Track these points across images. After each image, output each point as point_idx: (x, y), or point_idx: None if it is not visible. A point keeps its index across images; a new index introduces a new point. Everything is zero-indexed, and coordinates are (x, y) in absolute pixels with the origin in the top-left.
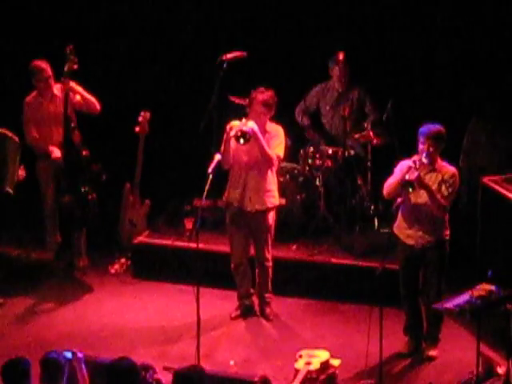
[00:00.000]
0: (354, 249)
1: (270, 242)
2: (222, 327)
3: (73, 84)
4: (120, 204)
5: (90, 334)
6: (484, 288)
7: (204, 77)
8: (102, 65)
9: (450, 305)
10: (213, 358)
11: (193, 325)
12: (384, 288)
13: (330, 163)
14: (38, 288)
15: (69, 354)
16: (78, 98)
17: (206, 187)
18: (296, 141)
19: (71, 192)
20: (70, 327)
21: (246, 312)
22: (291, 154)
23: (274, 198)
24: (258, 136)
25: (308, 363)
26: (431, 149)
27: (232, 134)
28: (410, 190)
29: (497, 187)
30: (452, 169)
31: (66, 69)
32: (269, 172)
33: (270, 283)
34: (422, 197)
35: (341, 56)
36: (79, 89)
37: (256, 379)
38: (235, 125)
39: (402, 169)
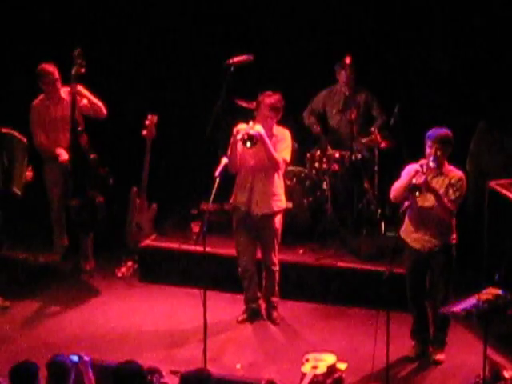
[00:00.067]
0: (361, 253)
1: (276, 246)
2: (229, 331)
3: (80, 88)
4: (127, 208)
5: (97, 337)
6: (491, 292)
7: (211, 80)
8: (110, 69)
9: (456, 309)
10: (219, 362)
11: (199, 328)
12: (391, 292)
13: (336, 167)
14: (45, 291)
15: (75, 358)
16: (85, 101)
17: (213, 191)
18: (303, 144)
19: (78, 195)
20: (77, 330)
21: (252, 316)
22: (298, 157)
23: (280, 202)
24: (264, 139)
25: (314, 367)
26: (438, 153)
27: (239, 137)
28: (417, 194)
29: (504, 191)
30: (459, 173)
31: (73, 72)
32: (275, 176)
33: (276, 287)
34: (429, 201)
35: (348, 60)
36: (86, 93)
37: (262, 383)
38: (242, 128)
39: (409, 173)
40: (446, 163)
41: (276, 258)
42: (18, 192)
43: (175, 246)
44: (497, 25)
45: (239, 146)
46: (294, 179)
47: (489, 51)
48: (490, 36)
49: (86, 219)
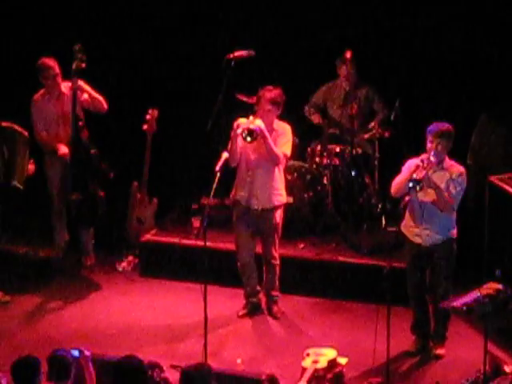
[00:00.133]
0: (362, 247)
1: (277, 241)
2: (229, 325)
3: (81, 82)
4: (128, 202)
5: (98, 331)
6: (492, 287)
7: (212, 75)
8: (110, 63)
9: (457, 303)
10: (220, 356)
11: (200, 323)
12: (391, 286)
13: (337, 161)
14: (46, 286)
15: (76, 352)
16: (85, 96)
17: (214, 185)
18: (304, 139)
19: (79, 190)
20: (78, 325)
21: (253, 310)
22: (299, 152)
23: (281, 197)
24: (265, 134)
25: (315, 361)
26: (439, 147)
27: (239, 131)
28: (418, 188)
29: (504, 185)
30: (460, 167)
31: (74, 67)
32: (276, 170)
33: (277, 281)
34: (429, 195)
35: (348, 54)
36: (87, 87)
37: (263, 377)
38: (242, 123)
39: (410, 167)
40: (447, 158)
41: (276, 252)
42: (19, 186)
43: (176, 240)
44: (499, 17)
45: (239, 140)
46: (295, 174)
47: (490, 44)
48: (491, 29)
49: (86, 214)
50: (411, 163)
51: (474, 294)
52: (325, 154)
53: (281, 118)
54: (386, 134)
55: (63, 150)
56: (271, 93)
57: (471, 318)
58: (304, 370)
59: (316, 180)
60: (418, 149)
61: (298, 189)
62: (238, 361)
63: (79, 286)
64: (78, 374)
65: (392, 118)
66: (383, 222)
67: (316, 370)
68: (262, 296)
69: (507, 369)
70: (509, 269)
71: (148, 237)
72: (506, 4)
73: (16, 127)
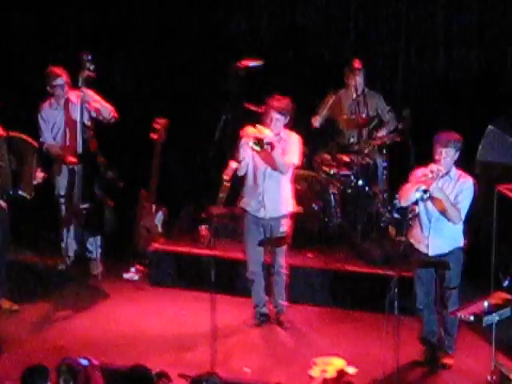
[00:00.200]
0: (370, 257)
1: (285, 250)
2: (238, 334)
3: (89, 91)
4: (136, 211)
5: (106, 340)
6: (500, 296)
7: (220, 84)
8: (119, 72)
9: (465, 313)
10: (228, 366)
11: (208, 332)
12: (400, 296)
13: (346, 170)
14: (54, 295)
15: (84, 361)
16: (94, 105)
17: (222, 194)
18: (312, 148)
19: (87, 199)
20: (86, 334)
21: (261, 319)
22: (307, 161)
23: (289, 206)
24: (273, 143)
25: (323, 371)
26: (447, 157)
27: (247, 140)
28: (425, 198)
29: None
30: (468, 177)
31: (82, 76)
32: (284, 179)
33: (285, 291)
34: (437, 205)
35: (357, 64)
36: (96, 96)
37: None
38: (250, 132)
39: (418, 177)
40: (455, 167)
41: (285, 261)
42: (27, 195)
43: (184, 249)
44: (507, 26)
45: (248, 149)
46: (304, 183)
47: (499, 54)
48: (500, 39)
49: (94, 222)
50: (419, 172)
51: (482, 304)
52: (333, 163)
53: (289, 127)
54: (398, 139)
55: (71, 158)
56: (279, 102)
57: (479, 327)
58: (312, 379)
59: (324, 189)
60: (426, 158)
61: (307, 198)
62: (246, 370)
63: (87, 295)
64: (85, 383)
65: (400, 127)
66: (391, 231)
67: (324, 380)
68: (270, 305)
69: None
70: None
71: (156, 245)
72: None
73: (24, 137)
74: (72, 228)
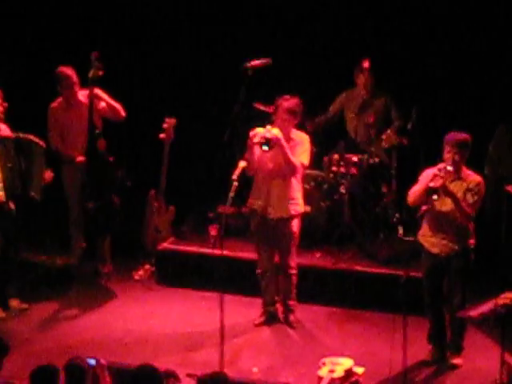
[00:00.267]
0: (378, 256)
1: (294, 250)
2: (246, 334)
3: (98, 90)
4: (145, 210)
5: (114, 340)
6: (508, 296)
7: (229, 84)
8: (127, 71)
9: (474, 313)
10: (236, 365)
11: (216, 331)
12: (408, 296)
13: (354, 171)
14: (63, 294)
15: (92, 361)
16: (103, 104)
17: (231, 194)
18: (321, 148)
19: (96, 198)
20: (94, 333)
21: (269, 319)
22: (316, 161)
23: (298, 206)
24: (282, 143)
25: (331, 371)
26: (457, 157)
27: (256, 140)
28: (435, 197)
29: None
30: (477, 177)
31: (91, 75)
32: (293, 179)
33: (294, 290)
34: (447, 204)
35: (366, 63)
36: (104, 95)
37: None
38: (259, 131)
39: (427, 176)
40: (464, 167)
41: (293, 261)
42: (37, 197)
43: (193, 249)
44: None
45: (257, 149)
46: (312, 183)
47: (509, 55)
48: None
49: (103, 222)
50: (429, 172)
51: (491, 304)
52: (342, 163)
53: (299, 127)
54: (404, 141)
55: (80, 157)
56: (288, 102)
57: (488, 327)
58: (320, 379)
59: (333, 189)
60: (435, 158)
61: (315, 198)
62: (255, 370)
63: (96, 294)
64: (94, 382)
65: (409, 127)
66: (400, 231)
67: (332, 380)
68: (278, 305)
69: None
70: None
71: (165, 245)
72: None
73: (32, 138)
74: (81, 227)
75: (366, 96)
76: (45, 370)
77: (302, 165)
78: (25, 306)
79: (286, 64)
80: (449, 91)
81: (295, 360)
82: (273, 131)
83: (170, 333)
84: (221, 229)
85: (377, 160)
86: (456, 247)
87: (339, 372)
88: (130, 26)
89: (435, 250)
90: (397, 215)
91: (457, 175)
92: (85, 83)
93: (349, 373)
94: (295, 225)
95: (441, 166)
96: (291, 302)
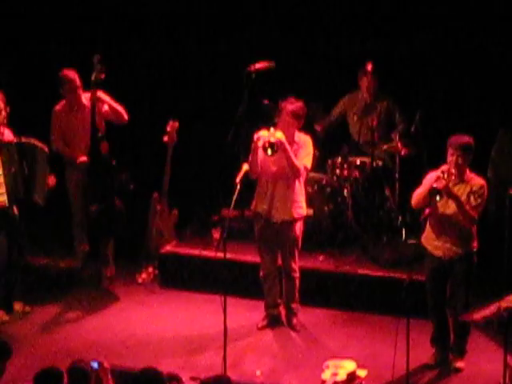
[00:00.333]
0: (381, 260)
1: (297, 253)
2: (249, 337)
3: (100, 93)
4: (148, 213)
5: (117, 343)
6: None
7: (232, 87)
8: (130, 74)
9: (477, 316)
10: (239, 368)
11: (219, 334)
12: (411, 299)
13: (357, 174)
14: (66, 297)
15: (95, 364)
16: (105, 107)
17: (234, 197)
18: (324, 151)
19: (99, 201)
20: (97, 336)
21: (272, 322)
22: (319, 164)
23: (301, 209)
24: (285, 147)
25: (334, 374)
26: (460, 160)
27: (259, 144)
28: (438, 198)
29: None
30: (480, 180)
31: (93, 78)
32: (296, 183)
33: (296, 294)
34: (450, 207)
35: (369, 67)
36: (107, 98)
37: None
38: (263, 135)
39: (431, 179)
40: (468, 171)
41: (296, 264)
42: (40, 201)
43: (196, 252)
44: None
45: (260, 152)
46: (315, 186)
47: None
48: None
49: (106, 225)
50: (432, 175)
51: (494, 307)
52: (345, 166)
53: (302, 130)
54: (403, 152)
55: (82, 157)
56: (293, 105)
57: (491, 331)
58: (323, 382)
59: (336, 192)
60: (438, 161)
61: (318, 201)
62: (258, 373)
63: (99, 297)
64: None
65: (412, 130)
66: (403, 234)
67: (335, 383)
68: (281, 308)
69: None
70: None
71: (168, 248)
72: None
73: (35, 142)
74: (84, 230)
75: (369, 99)
76: (49, 373)
77: (305, 168)
78: (28, 309)
79: (289, 67)
80: (452, 95)
81: (298, 363)
82: (276, 135)
83: (173, 336)
84: (224, 232)
85: (380, 163)
86: (459, 250)
87: (342, 375)
88: (133, 28)
89: (438, 253)
90: (400, 218)
91: (460, 178)
92: (87, 86)
93: (352, 376)
94: (298, 228)
95: (444, 167)
96: (294, 305)
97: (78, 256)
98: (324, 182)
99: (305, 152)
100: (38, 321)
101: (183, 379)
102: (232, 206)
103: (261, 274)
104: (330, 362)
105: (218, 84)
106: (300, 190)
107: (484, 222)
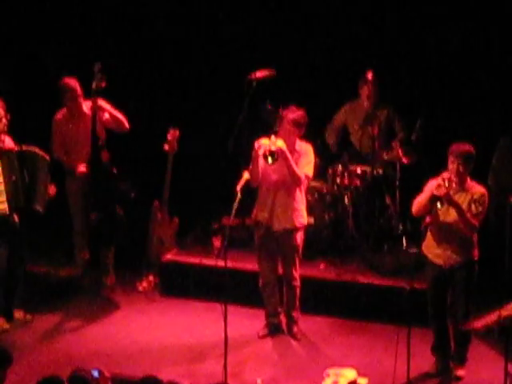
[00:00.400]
0: (382, 268)
1: (297, 262)
2: (250, 346)
3: (101, 102)
4: (148, 222)
5: (117, 351)
6: None
7: (233, 95)
8: (131, 82)
9: (478, 325)
10: (240, 377)
11: (220, 343)
12: (412, 307)
13: (358, 182)
14: (66, 305)
15: (96, 373)
16: (106, 115)
17: (235, 205)
18: (325, 159)
19: (100, 209)
20: (98, 344)
21: (273, 331)
22: (320, 172)
23: (302, 218)
24: (286, 155)
25: (335, 382)
26: (461, 168)
27: (260, 152)
28: (439, 205)
29: None
30: (481, 188)
31: (94, 86)
32: (297, 191)
33: (297, 302)
34: (451, 215)
35: (370, 75)
36: (108, 106)
37: None
38: (264, 143)
39: (432, 186)
40: (469, 179)
41: (297, 273)
42: (40, 209)
43: (196, 260)
44: None
45: (261, 161)
46: (316, 194)
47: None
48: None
49: (106, 233)
50: (433, 183)
51: (495, 316)
52: (346, 174)
53: (303, 138)
54: (404, 160)
55: (81, 168)
56: (294, 114)
57: (492, 339)
58: None
59: (337, 201)
60: (439, 169)
61: (319, 209)
62: (258, 381)
63: (99, 306)
64: None
65: (413, 138)
66: (404, 242)
67: None
68: (282, 317)
69: None
70: None
71: (168, 256)
72: None
73: (36, 150)
74: (84, 238)
75: (370, 107)
76: (50, 382)
77: (307, 176)
78: (29, 317)
79: (290, 74)
80: (452, 103)
81: (299, 371)
82: (277, 143)
83: (173, 344)
84: (225, 240)
85: (381, 172)
86: (460, 258)
87: (343, 383)
88: (134, 36)
89: (439, 262)
90: (401, 227)
91: (461, 187)
92: (88, 94)
93: None
94: (299, 236)
95: (445, 175)
96: (295, 314)
97: (79, 264)
98: (324, 190)
99: (306, 160)
100: (38, 329)
101: None
102: (233, 214)
103: (260, 283)
104: (331, 371)
105: (219, 92)
106: (301, 199)
107: (485, 231)
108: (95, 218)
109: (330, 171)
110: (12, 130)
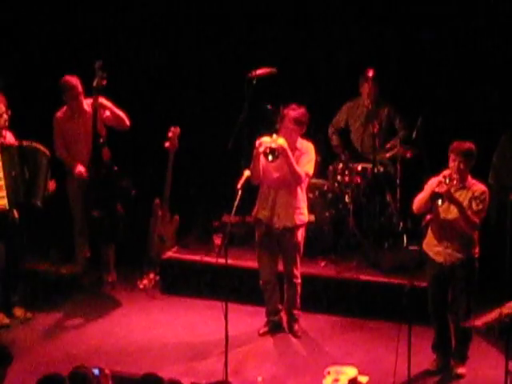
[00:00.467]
0: (383, 266)
1: (298, 259)
2: (250, 343)
3: (102, 99)
4: (149, 219)
5: (118, 349)
6: None
7: (234, 93)
8: (132, 80)
9: (478, 322)
10: (241, 375)
11: (221, 341)
12: (412, 305)
13: (359, 180)
14: (67, 303)
15: (96, 371)
16: (107, 113)
17: (235, 203)
18: (325, 157)
19: (100, 207)
20: (98, 342)
21: (274, 328)
22: (320, 170)
23: (303, 216)
24: (287, 153)
25: (336, 380)
26: (461, 166)
27: (261, 150)
28: (440, 203)
29: None
30: (482, 186)
31: (94, 84)
32: (298, 189)
33: (298, 300)
34: (451, 213)
35: (370, 73)
36: (109, 104)
37: None
38: (265, 141)
39: (433, 184)
40: (470, 177)
41: (298, 270)
42: (39, 205)
43: (197, 258)
44: None
45: (262, 158)
46: (316, 192)
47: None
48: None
49: (107, 231)
50: (434, 180)
51: (496, 313)
52: (346, 172)
53: (304, 136)
54: (408, 155)
55: (79, 168)
56: (295, 112)
57: (492, 337)
58: None
59: (337, 198)
60: (440, 167)
61: (320, 207)
62: (259, 379)
63: (100, 303)
64: None
65: (413, 136)
66: (405, 240)
67: None
68: (283, 314)
69: None
70: None
71: (169, 254)
72: None
73: (37, 146)
74: (85, 236)
75: (370, 105)
76: (51, 380)
77: (307, 174)
78: (29, 315)
79: (290, 72)
80: (453, 101)
81: (300, 369)
82: (278, 141)
83: (174, 342)
84: (225, 238)
85: (381, 169)
86: (460, 256)
87: (343, 381)
88: (134, 34)
89: (440, 259)
90: (401, 224)
91: (462, 184)
92: (89, 92)
93: (353, 382)
94: (300, 234)
95: (446, 172)
96: (295, 312)
97: (79, 262)
98: (325, 188)
99: (307, 158)
100: (39, 327)
101: None
102: (233, 212)
103: (260, 281)
104: (332, 368)
105: (220, 90)
106: (302, 197)
107: (485, 228)
108: (96, 215)
109: (331, 169)
110: (14, 126)
